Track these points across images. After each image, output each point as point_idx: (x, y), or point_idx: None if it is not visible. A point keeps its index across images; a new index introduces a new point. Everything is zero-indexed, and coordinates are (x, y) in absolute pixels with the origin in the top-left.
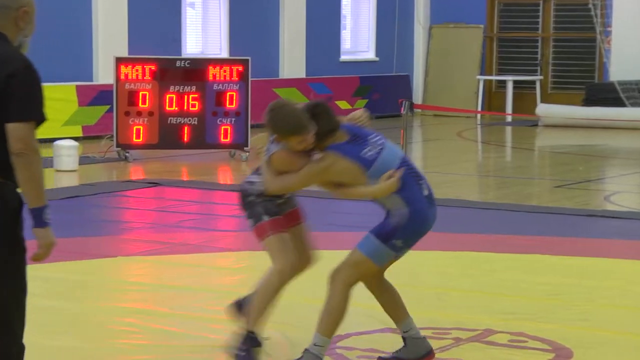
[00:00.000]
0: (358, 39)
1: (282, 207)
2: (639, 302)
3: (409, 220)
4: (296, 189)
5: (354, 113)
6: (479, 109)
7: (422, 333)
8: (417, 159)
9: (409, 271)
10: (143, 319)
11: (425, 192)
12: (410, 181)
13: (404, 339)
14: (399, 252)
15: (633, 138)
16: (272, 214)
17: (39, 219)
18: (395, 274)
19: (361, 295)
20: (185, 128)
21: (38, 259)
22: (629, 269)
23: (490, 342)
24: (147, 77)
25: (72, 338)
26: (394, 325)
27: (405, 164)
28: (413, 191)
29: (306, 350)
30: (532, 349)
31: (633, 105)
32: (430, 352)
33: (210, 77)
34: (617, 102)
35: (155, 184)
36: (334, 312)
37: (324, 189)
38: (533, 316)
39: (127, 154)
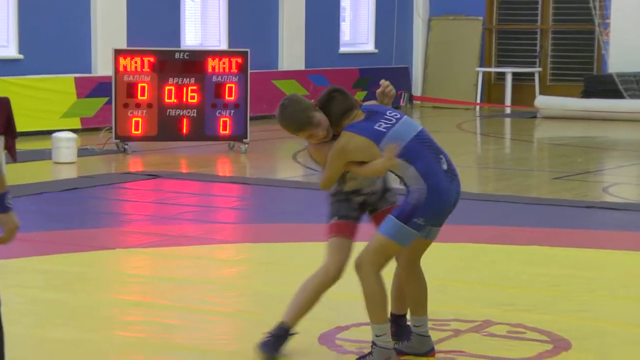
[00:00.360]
0: (357, 31)
1: (376, 204)
2: (638, 294)
3: (428, 195)
4: (332, 176)
5: (382, 83)
6: (478, 100)
7: (412, 326)
8: None
9: None
10: (142, 311)
11: (445, 167)
12: (426, 153)
13: (410, 332)
14: (422, 230)
15: (631, 130)
16: (341, 216)
17: (1, 205)
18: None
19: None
20: (184, 120)
21: (3, 242)
22: (627, 260)
23: (489, 334)
24: (146, 69)
25: (71, 330)
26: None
27: (422, 137)
28: (429, 164)
29: (373, 345)
30: (531, 340)
31: (631, 97)
32: (431, 350)
33: (210, 69)
34: (616, 94)
35: (154, 176)
36: (374, 298)
37: (353, 172)
38: (532, 307)
39: (125, 146)
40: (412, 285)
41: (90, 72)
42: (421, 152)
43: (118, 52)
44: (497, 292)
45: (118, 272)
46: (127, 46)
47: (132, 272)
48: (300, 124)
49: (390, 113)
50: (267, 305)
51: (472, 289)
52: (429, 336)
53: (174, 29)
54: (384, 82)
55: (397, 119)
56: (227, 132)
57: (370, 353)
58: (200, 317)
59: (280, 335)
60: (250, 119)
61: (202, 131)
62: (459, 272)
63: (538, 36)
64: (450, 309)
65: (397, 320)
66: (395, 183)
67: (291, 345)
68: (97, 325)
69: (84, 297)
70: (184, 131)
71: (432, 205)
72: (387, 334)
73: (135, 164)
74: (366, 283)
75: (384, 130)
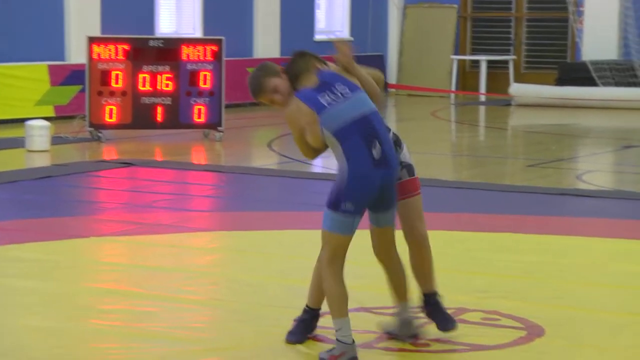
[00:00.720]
0: (332, 19)
1: None
2: (611, 280)
3: (348, 176)
4: (298, 145)
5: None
6: (453, 88)
7: (394, 311)
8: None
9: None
10: (116, 300)
11: (375, 154)
12: (356, 136)
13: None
14: (355, 214)
15: (605, 117)
16: None
17: None
18: (370, 252)
19: None
20: (159, 108)
21: None
22: (601, 247)
23: (463, 320)
24: (120, 56)
25: (46, 318)
26: (367, 304)
27: (364, 120)
28: (356, 147)
29: (336, 340)
30: (505, 326)
31: (605, 84)
32: (415, 336)
33: (184, 57)
34: (589, 82)
35: (128, 164)
36: (328, 294)
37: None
38: (506, 294)
39: (99, 134)
40: (389, 271)
41: (63, 60)
42: (353, 134)
43: (92, 40)
44: (471, 279)
45: (92, 261)
46: (101, 34)
47: (106, 260)
48: (254, 90)
49: (339, 86)
50: (242, 294)
51: (446, 276)
52: (412, 322)
53: (148, 16)
54: (338, 44)
55: (346, 97)
56: (202, 120)
57: (333, 349)
58: (175, 306)
59: (305, 319)
60: (225, 107)
61: (176, 119)
62: (433, 259)
63: (512, 24)
64: None
65: (426, 299)
66: (406, 159)
67: (267, 334)
68: (72, 313)
69: (58, 285)
70: (159, 119)
71: (354, 187)
72: (345, 328)
73: (109, 152)
74: (323, 280)
75: (325, 104)
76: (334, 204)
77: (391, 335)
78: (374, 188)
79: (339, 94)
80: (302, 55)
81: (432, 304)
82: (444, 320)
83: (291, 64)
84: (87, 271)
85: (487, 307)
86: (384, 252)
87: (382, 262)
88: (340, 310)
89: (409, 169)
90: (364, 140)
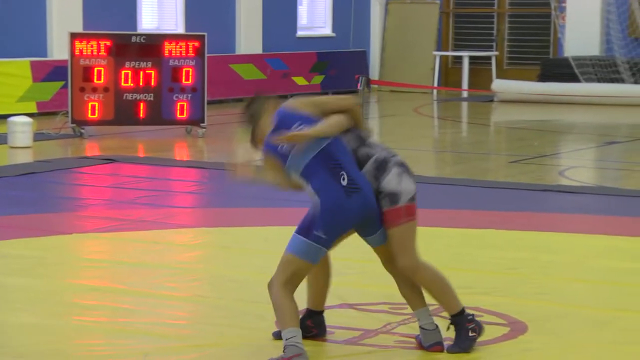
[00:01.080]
0: (315, 15)
1: None
2: (594, 276)
3: (321, 209)
4: (279, 186)
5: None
6: (435, 84)
7: (378, 307)
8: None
9: (365, 245)
10: (100, 296)
11: (344, 182)
12: (322, 171)
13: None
14: (326, 244)
15: (587, 113)
16: None
17: None
18: (354, 248)
19: None
20: (141, 104)
21: None
22: (583, 244)
23: (446, 317)
24: (103, 52)
25: (29, 315)
26: (350, 301)
27: (324, 153)
28: (325, 181)
29: (287, 346)
30: (488, 323)
31: (587, 80)
32: (435, 344)
33: (166, 53)
34: (572, 78)
35: (111, 160)
36: (280, 309)
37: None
38: (489, 290)
39: (82, 130)
40: (397, 285)
41: (46, 56)
42: (317, 170)
43: (74, 36)
44: (454, 275)
45: (75, 257)
46: (84, 30)
47: (89, 256)
48: (252, 113)
49: (297, 127)
50: (225, 290)
51: None
52: (433, 330)
53: (131, 12)
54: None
55: None
56: (184, 116)
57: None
58: (158, 302)
59: (302, 318)
60: (208, 103)
61: (159, 115)
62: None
63: (495, 20)
64: None
65: (453, 319)
66: (390, 186)
67: (251, 331)
68: (56, 310)
69: (42, 282)
70: (141, 115)
71: (328, 218)
72: (298, 336)
73: (91, 148)
74: (272, 298)
75: (285, 152)
76: (306, 230)
77: (420, 346)
78: (350, 218)
79: None
80: (257, 98)
81: (454, 325)
82: (456, 343)
83: (247, 107)
84: (70, 268)
85: (470, 303)
86: (387, 267)
87: (391, 271)
88: (293, 321)
89: (392, 197)
90: (330, 172)
